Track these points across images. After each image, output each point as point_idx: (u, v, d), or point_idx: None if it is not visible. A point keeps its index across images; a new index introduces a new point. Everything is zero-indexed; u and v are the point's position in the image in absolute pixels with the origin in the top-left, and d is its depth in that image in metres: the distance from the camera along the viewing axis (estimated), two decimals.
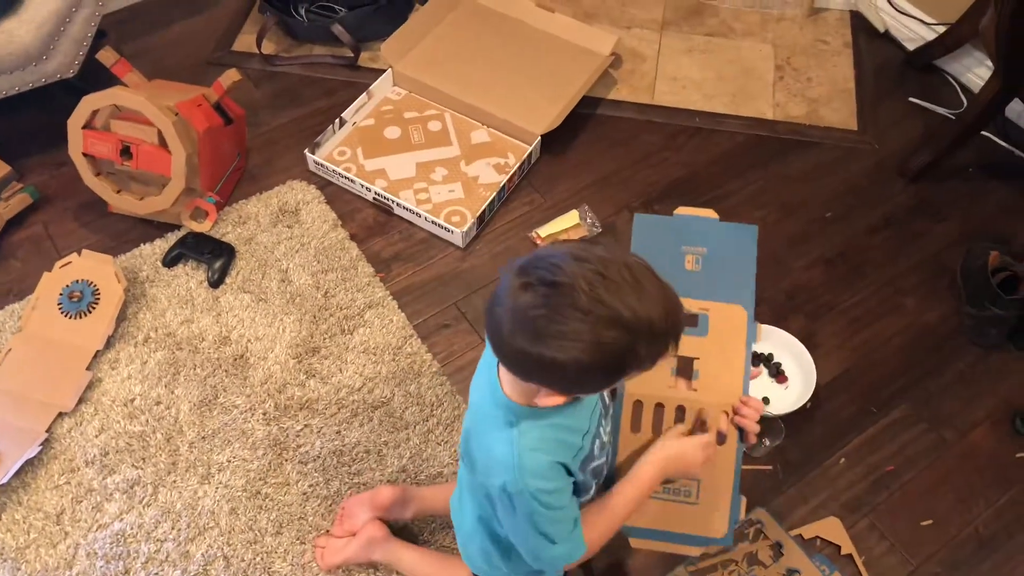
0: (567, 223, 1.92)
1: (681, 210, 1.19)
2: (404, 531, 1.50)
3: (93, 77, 1.93)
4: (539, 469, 0.92)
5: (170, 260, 1.84)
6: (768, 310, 1.80)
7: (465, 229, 1.86)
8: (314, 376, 1.68)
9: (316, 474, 1.56)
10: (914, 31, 2.30)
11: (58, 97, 1.91)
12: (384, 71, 2.15)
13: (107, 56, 1.82)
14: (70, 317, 1.70)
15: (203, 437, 1.60)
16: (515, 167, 1.96)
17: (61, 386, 1.64)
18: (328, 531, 1.50)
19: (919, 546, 1.51)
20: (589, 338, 0.78)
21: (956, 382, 1.72)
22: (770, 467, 1.58)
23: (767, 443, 1.59)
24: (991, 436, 1.65)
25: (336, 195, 1.98)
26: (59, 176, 1.98)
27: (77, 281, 1.73)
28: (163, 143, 1.74)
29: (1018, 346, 1.75)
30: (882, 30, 2.35)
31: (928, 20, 2.26)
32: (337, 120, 2.04)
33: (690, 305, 1.12)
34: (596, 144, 2.10)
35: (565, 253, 0.81)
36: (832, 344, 1.76)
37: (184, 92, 1.84)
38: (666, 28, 2.38)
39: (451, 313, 1.80)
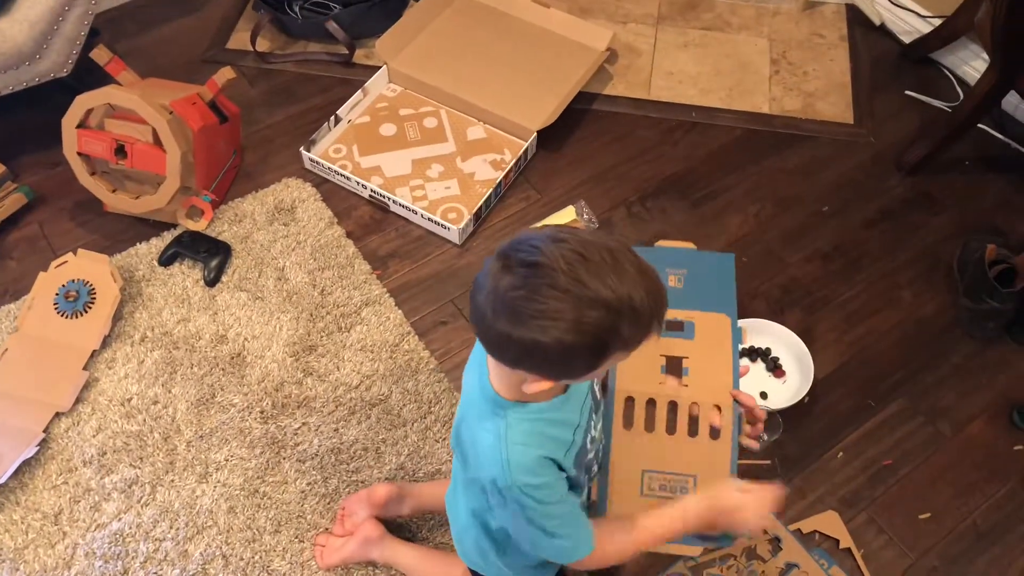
0: (563, 219, 1.92)
1: (662, 243, 1.25)
2: (401, 529, 1.50)
3: (87, 76, 1.93)
4: (527, 464, 0.92)
5: (166, 259, 1.83)
6: (765, 305, 1.80)
7: (461, 226, 1.85)
8: (311, 374, 1.68)
9: (314, 472, 1.56)
10: (910, 24, 2.30)
11: (52, 96, 1.91)
12: (379, 68, 2.15)
13: (101, 55, 1.81)
14: (66, 317, 1.70)
15: (201, 436, 1.60)
16: (511, 163, 1.96)
17: (58, 386, 1.63)
18: (328, 529, 1.50)
19: (917, 539, 1.51)
20: (571, 316, 0.78)
21: (953, 375, 1.72)
22: (768, 462, 1.59)
23: (765, 438, 1.59)
24: (989, 429, 1.65)
25: (332, 193, 1.98)
26: (54, 176, 1.98)
27: (73, 281, 1.73)
28: (158, 142, 1.74)
29: (1016, 339, 1.75)
30: (878, 23, 2.35)
31: (924, 13, 2.26)
32: (332, 117, 2.04)
33: (675, 315, 1.14)
34: (592, 140, 2.10)
35: (545, 235, 0.81)
36: (829, 338, 1.76)
37: (178, 90, 1.83)
38: (662, 23, 2.37)
39: (448, 310, 1.80)
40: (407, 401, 1.65)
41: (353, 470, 1.56)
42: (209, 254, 1.81)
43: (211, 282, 1.80)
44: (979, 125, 2.06)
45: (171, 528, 1.50)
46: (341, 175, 1.96)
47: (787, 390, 1.67)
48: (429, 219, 1.88)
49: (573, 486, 1.01)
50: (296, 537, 1.49)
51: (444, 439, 1.61)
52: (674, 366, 1.12)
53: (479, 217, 1.92)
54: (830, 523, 1.52)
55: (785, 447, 1.60)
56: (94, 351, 1.69)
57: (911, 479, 1.58)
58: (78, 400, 1.63)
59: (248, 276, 1.82)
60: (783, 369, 1.70)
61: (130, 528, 1.50)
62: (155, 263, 1.83)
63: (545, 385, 0.87)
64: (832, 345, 1.75)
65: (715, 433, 1.10)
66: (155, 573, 1.45)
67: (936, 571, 1.48)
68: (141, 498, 1.53)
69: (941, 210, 1.98)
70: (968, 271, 1.80)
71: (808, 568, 1.47)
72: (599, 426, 1.08)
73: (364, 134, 2.07)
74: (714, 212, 1.97)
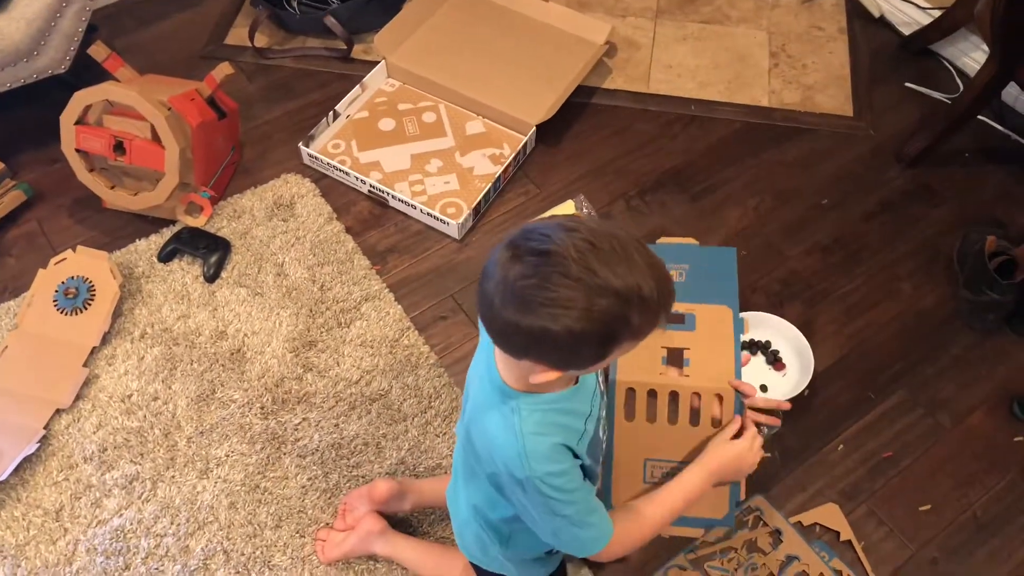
0: (563, 213, 1.92)
1: (663, 240, 1.27)
2: (402, 523, 1.51)
3: (85, 72, 1.92)
4: (544, 452, 0.92)
5: (165, 255, 1.83)
6: (764, 298, 1.80)
7: (461, 221, 1.85)
8: (311, 369, 1.68)
9: (315, 467, 1.56)
10: (909, 16, 2.29)
11: (50, 93, 1.90)
12: (378, 63, 2.14)
13: (98, 51, 1.81)
14: (66, 314, 1.70)
15: (201, 432, 1.60)
16: (510, 158, 1.96)
17: (58, 383, 1.63)
18: (329, 524, 1.51)
19: (917, 531, 1.52)
20: (581, 305, 0.78)
21: (953, 367, 1.72)
22: (768, 454, 1.59)
23: (765, 430, 1.59)
24: (989, 421, 1.65)
25: (331, 188, 1.97)
26: (52, 173, 1.98)
27: (72, 278, 1.73)
28: (156, 138, 1.74)
29: (1016, 331, 1.75)
30: (877, 15, 2.34)
31: (923, 4, 2.25)
32: (331, 113, 2.04)
33: (676, 308, 1.14)
34: (591, 134, 2.10)
35: (555, 224, 0.81)
36: (829, 331, 1.76)
37: (177, 86, 1.83)
38: (661, 16, 2.37)
39: (448, 305, 1.80)
40: (407, 396, 1.65)
41: (354, 465, 1.57)
42: (208, 250, 1.81)
43: (210, 278, 1.80)
44: (979, 117, 2.06)
45: (172, 524, 1.50)
46: (340, 170, 1.96)
47: (787, 383, 1.67)
48: (428, 214, 1.88)
49: (587, 476, 1.01)
50: (297, 532, 1.50)
51: (444, 433, 1.61)
52: (675, 357, 1.12)
53: (478, 212, 1.92)
54: (830, 515, 1.52)
55: (785, 440, 1.60)
56: (94, 348, 1.69)
57: (911, 471, 1.58)
58: (78, 397, 1.63)
59: (247, 272, 1.82)
60: (783, 362, 1.70)
61: (131, 524, 1.50)
62: (154, 259, 1.83)
63: (551, 375, 0.87)
64: (832, 337, 1.75)
65: (716, 423, 1.10)
66: (156, 569, 1.46)
67: (936, 563, 1.49)
68: (142, 494, 1.53)
69: (941, 202, 1.97)
70: (968, 263, 1.80)
71: (809, 560, 1.47)
72: (603, 416, 1.08)
73: (363, 129, 2.07)
74: (713, 205, 1.97)
